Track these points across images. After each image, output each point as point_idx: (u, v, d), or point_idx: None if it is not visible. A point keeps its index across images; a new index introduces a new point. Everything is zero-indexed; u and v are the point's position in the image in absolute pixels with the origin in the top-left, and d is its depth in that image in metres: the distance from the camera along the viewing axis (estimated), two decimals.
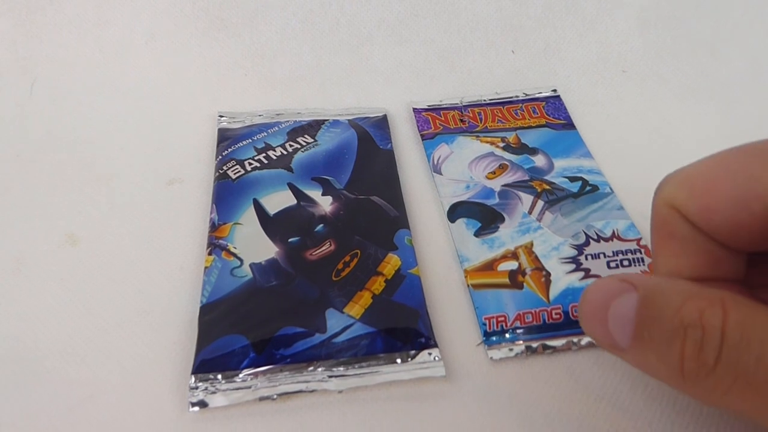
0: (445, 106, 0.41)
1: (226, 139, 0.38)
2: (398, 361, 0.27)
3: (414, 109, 0.41)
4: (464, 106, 0.41)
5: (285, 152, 0.37)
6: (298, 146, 0.37)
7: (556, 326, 0.29)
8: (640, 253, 0.32)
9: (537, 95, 0.42)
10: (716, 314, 0.17)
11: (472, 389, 0.27)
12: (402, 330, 0.28)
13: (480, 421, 0.26)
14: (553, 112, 0.41)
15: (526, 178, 0.36)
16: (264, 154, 0.37)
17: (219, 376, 0.27)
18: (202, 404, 0.26)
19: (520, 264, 0.31)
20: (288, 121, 0.39)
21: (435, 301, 0.31)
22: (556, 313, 0.29)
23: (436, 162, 0.37)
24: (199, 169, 0.37)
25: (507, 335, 0.29)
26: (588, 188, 0.35)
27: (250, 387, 0.26)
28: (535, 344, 0.29)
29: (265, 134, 0.38)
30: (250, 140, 0.38)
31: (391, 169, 0.37)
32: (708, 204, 0.20)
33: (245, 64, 0.43)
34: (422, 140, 0.39)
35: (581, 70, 0.44)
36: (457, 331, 0.30)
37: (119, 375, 0.28)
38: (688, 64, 0.44)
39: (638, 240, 0.32)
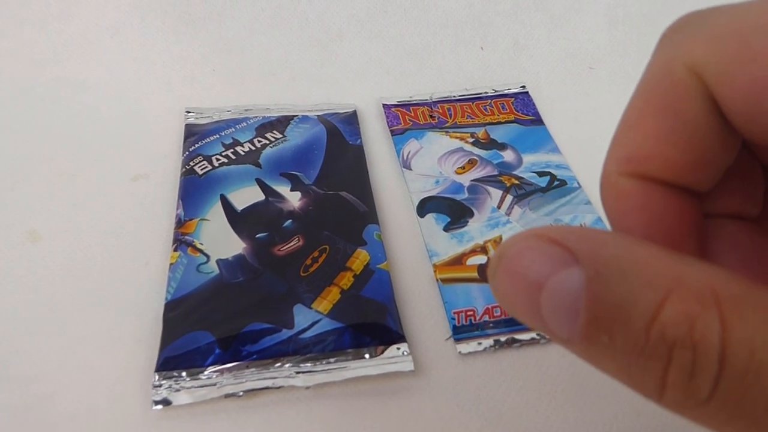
0: (414, 102, 0.41)
1: (193, 134, 0.37)
2: (366, 356, 0.27)
3: (384, 105, 0.41)
4: (434, 102, 0.41)
5: (253, 148, 0.37)
6: (267, 142, 0.37)
7: None
8: None
9: (506, 91, 0.42)
10: (712, 325, 0.11)
11: (441, 383, 0.27)
12: (370, 325, 0.28)
13: (449, 414, 0.26)
14: (522, 108, 0.41)
15: (495, 173, 0.36)
16: (232, 150, 0.36)
17: (183, 374, 0.26)
18: (166, 402, 0.25)
19: (488, 258, 0.31)
20: (256, 117, 0.39)
21: (404, 295, 0.31)
22: None
23: (405, 157, 0.37)
24: (165, 164, 0.37)
25: (476, 329, 0.29)
26: (556, 183, 0.36)
27: (215, 384, 0.26)
28: (503, 338, 0.29)
29: (233, 130, 0.38)
30: (218, 136, 0.37)
31: (360, 164, 0.37)
32: (763, 77, 0.13)
33: (213, 60, 0.42)
34: (392, 136, 0.39)
35: (549, 67, 0.44)
36: (426, 325, 0.30)
37: (81, 373, 0.27)
38: None
39: None
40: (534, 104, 0.41)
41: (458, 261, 0.31)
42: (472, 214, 0.34)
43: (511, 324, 0.29)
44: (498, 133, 0.39)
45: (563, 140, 0.39)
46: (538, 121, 0.40)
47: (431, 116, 0.40)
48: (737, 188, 0.17)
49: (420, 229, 0.33)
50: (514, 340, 0.29)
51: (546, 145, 0.38)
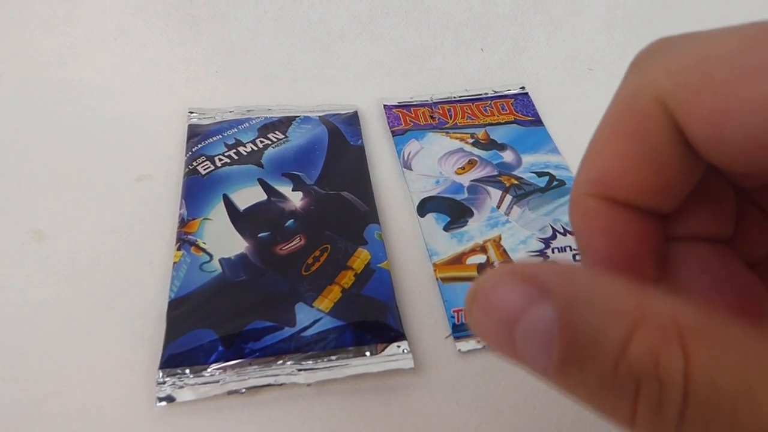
0: (415, 102, 0.42)
1: (196, 135, 0.38)
2: (367, 353, 0.28)
3: (385, 106, 0.41)
4: (434, 103, 0.42)
5: (255, 148, 0.37)
6: (269, 142, 0.38)
7: None
8: None
9: (506, 92, 0.43)
10: (676, 358, 0.12)
11: (441, 380, 0.28)
12: (371, 323, 0.28)
13: (448, 411, 0.27)
14: (521, 109, 0.41)
15: (495, 173, 0.37)
16: (234, 150, 0.37)
17: (187, 371, 0.26)
18: (170, 399, 0.26)
19: (488, 257, 0.32)
20: (259, 118, 0.39)
21: (404, 294, 0.31)
22: None
23: (406, 158, 0.38)
24: (168, 165, 0.37)
25: None
26: (555, 183, 0.36)
27: (218, 381, 0.26)
28: None
29: (236, 130, 0.38)
30: (221, 136, 0.38)
31: (361, 164, 0.37)
32: (724, 107, 0.13)
33: (216, 61, 0.43)
34: (393, 136, 0.39)
35: (549, 68, 0.45)
36: (426, 323, 0.30)
37: (86, 370, 0.27)
38: None
39: None
40: (533, 105, 0.42)
41: (458, 260, 0.32)
42: (471, 214, 0.34)
43: None
44: (498, 134, 0.39)
45: (562, 141, 0.39)
46: (538, 121, 0.41)
47: (432, 117, 0.40)
48: (708, 211, 0.17)
49: (420, 229, 0.34)
50: None
51: (545, 146, 0.39)
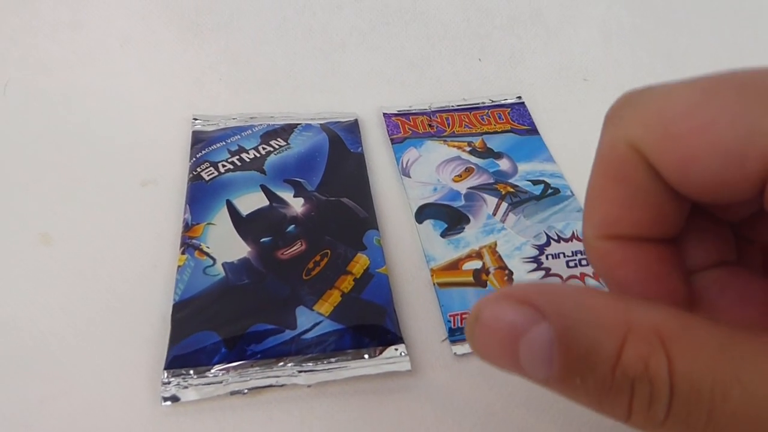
0: (414, 111, 0.42)
1: (200, 141, 0.39)
2: (366, 356, 0.28)
3: (384, 114, 0.42)
4: (433, 111, 0.42)
5: (258, 155, 0.38)
6: (271, 149, 0.38)
7: None
8: None
9: (503, 102, 0.44)
10: (661, 362, 0.14)
11: (437, 383, 0.29)
12: (370, 327, 0.29)
13: (443, 412, 0.28)
14: (517, 118, 0.42)
15: (491, 181, 0.38)
16: (237, 157, 0.38)
17: (191, 372, 0.27)
18: (175, 399, 0.27)
19: (484, 263, 0.33)
20: (261, 125, 0.40)
21: (402, 298, 0.32)
22: None
23: (404, 165, 0.39)
24: (173, 170, 0.38)
25: None
26: (550, 191, 0.37)
27: (221, 382, 0.27)
28: None
29: (239, 137, 0.39)
30: (224, 143, 0.39)
31: (361, 171, 0.38)
32: (687, 154, 0.15)
33: (220, 68, 0.44)
34: (392, 144, 0.40)
35: (545, 78, 0.46)
36: (423, 327, 0.31)
37: (93, 370, 0.28)
38: (647, 73, 0.46)
39: None
40: (529, 114, 0.43)
41: (454, 266, 0.33)
42: (468, 221, 0.35)
43: None
44: (494, 143, 0.40)
45: (557, 149, 0.40)
46: (534, 130, 0.42)
47: (430, 125, 0.41)
48: (710, 241, 0.19)
49: (418, 235, 0.35)
50: None
51: (540, 155, 0.40)
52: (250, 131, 0.40)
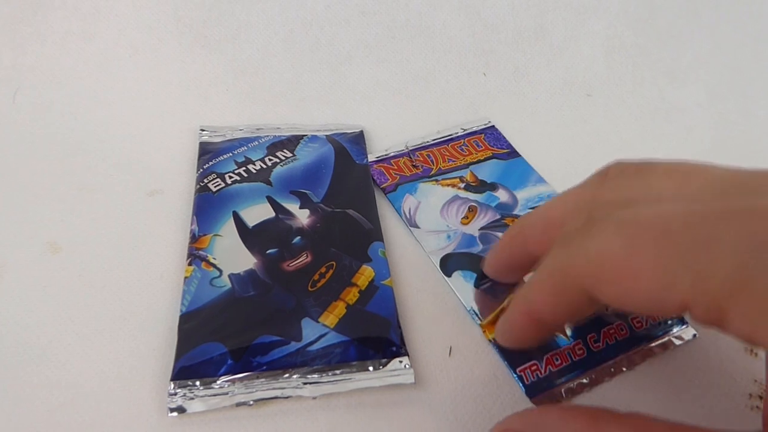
0: (392, 154, 0.41)
1: (207, 152, 0.39)
2: (370, 368, 0.29)
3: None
4: (411, 150, 0.41)
5: (264, 166, 0.38)
6: (277, 160, 0.39)
7: (584, 362, 0.30)
8: None
9: (474, 129, 0.43)
10: None
11: (441, 396, 0.29)
12: (374, 339, 0.30)
13: (447, 426, 0.28)
14: (494, 143, 0.42)
15: (498, 216, 0.37)
16: (244, 168, 0.38)
17: (197, 383, 0.28)
18: (181, 410, 0.27)
19: None
20: (268, 136, 0.41)
21: (406, 311, 0.32)
22: (579, 349, 0.30)
23: (408, 215, 0.37)
24: (180, 181, 0.38)
25: (544, 383, 0.29)
26: None
27: (227, 393, 0.27)
28: (573, 384, 0.29)
29: (246, 148, 0.39)
30: (231, 154, 0.39)
31: (366, 183, 0.38)
32: (620, 293, 0.19)
33: (227, 80, 0.44)
34: (385, 194, 0.39)
35: (549, 93, 0.46)
36: (427, 340, 0.31)
37: (99, 380, 0.28)
38: (649, 89, 0.47)
39: None
40: (504, 137, 0.42)
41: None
42: None
43: (573, 370, 0.29)
44: (483, 173, 0.39)
45: (551, 168, 0.40)
46: (514, 153, 0.41)
47: (414, 166, 0.40)
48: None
49: (452, 289, 0.33)
50: (583, 385, 0.29)
51: (530, 178, 0.39)
52: (256, 142, 0.40)
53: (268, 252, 0.33)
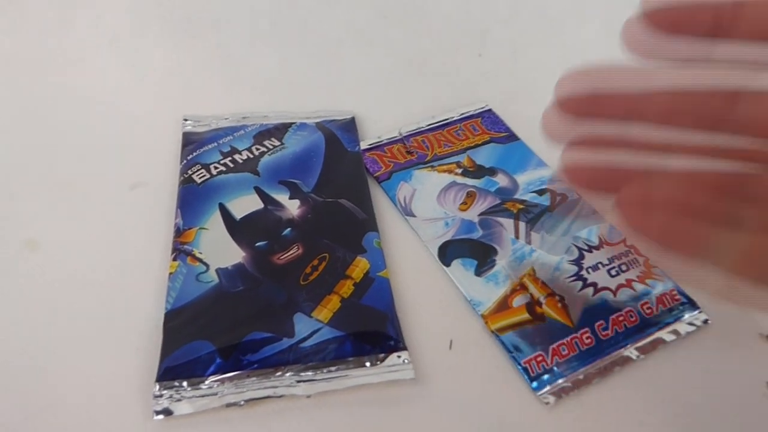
0: (385, 141, 0.40)
1: (191, 143, 0.38)
2: (367, 364, 0.27)
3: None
4: (405, 136, 0.40)
5: (251, 156, 0.37)
6: (265, 149, 0.37)
7: (593, 351, 0.28)
8: (631, 254, 0.32)
9: (471, 112, 0.42)
10: None
11: (442, 392, 0.28)
12: (371, 333, 0.28)
13: (449, 422, 0.27)
14: (492, 126, 0.40)
15: (498, 201, 0.35)
16: (230, 158, 0.36)
17: (184, 383, 0.26)
18: (167, 412, 0.25)
19: (531, 294, 0.31)
20: (254, 125, 0.39)
21: (404, 303, 0.31)
22: (587, 338, 0.29)
23: (404, 204, 0.36)
24: (163, 173, 0.37)
25: (551, 375, 0.28)
26: (558, 198, 0.35)
27: (216, 394, 0.26)
28: (581, 376, 0.28)
29: (231, 138, 0.38)
30: (216, 144, 0.37)
31: (359, 171, 0.37)
32: None
33: (211, 67, 0.43)
34: (379, 183, 0.37)
35: (548, 74, 0.44)
36: (427, 333, 0.30)
37: (81, 383, 0.27)
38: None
39: (623, 241, 0.33)
40: (502, 120, 0.41)
41: (504, 305, 0.30)
42: (495, 251, 0.33)
43: (582, 359, 0.28)
44: (481, 157, 0.38)
45: (545, 151, 0.38)
46: (513, 136, 0.40)
47: (409, 152, 0.39)
48: None
49: (450, 278, 0.32)
50: (593, 376, 0.28)
51: (531, 161, 0.38)
52: (242, 131, 0.38)
53: (257, 245, 0.32)
